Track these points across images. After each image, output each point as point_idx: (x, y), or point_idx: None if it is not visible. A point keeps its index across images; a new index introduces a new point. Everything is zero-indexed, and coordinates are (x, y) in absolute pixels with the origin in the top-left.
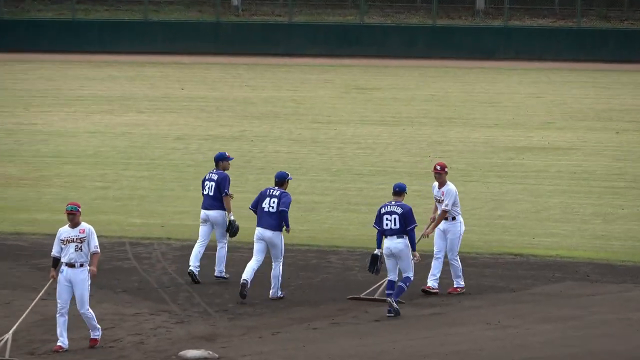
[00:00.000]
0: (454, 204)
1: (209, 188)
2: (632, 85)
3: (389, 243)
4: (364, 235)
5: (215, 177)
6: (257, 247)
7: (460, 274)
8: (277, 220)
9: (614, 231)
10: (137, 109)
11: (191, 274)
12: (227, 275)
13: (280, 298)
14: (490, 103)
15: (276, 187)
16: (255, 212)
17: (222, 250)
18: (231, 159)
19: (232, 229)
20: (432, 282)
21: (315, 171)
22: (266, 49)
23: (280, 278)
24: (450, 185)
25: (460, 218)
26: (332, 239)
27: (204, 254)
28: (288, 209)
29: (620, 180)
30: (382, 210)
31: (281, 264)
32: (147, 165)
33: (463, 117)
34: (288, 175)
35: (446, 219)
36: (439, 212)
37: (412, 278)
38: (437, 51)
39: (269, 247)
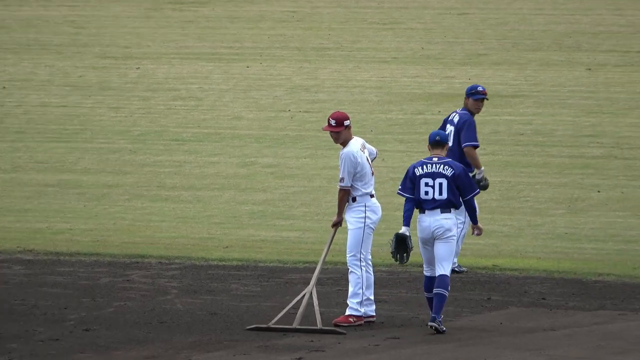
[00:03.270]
0: (356, 177)
1: None
2: None
3: (430, 221)
4: (186, 238)
5: None
6: None
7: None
8: None
9: (585, 227)
10: None
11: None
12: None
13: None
14: (385, 24)
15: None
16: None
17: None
18: None
19: None
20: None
21: (106, 135)
22: None
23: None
24: (349, 147)
25: (369, 200)
26: (135, 246)
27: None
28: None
29: (593, 145)
30: (419, 171)
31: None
32: None
33: (342, 46)
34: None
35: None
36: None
37: (449, 275)
38: None
39: None
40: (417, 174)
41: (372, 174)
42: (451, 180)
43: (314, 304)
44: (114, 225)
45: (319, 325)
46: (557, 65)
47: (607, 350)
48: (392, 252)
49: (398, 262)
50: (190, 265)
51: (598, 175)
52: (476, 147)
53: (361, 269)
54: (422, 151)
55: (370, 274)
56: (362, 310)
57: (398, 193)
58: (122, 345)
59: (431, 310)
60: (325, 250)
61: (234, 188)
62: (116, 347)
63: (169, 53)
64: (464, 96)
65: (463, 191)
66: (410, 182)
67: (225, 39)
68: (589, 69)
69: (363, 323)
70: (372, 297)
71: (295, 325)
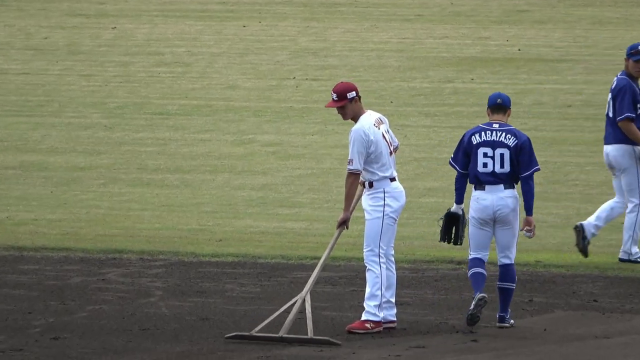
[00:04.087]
0: (369, 160)
1: None
2: None
3: (492, 199)
4: (172, 230)
5: None
6: None
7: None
8: None
9: None
10: None
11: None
12: None
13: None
14: None
15: None
16: None
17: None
18: None
19: None
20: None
21: (76, 108)
22: None
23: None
24: (359, 123)
25: (388, 184)
26: (111, 239)
27: None
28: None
29: None
30: (476, 139)
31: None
32: None
33: (357, 1)
34: None
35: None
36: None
37: (514, 265)
38: None
39: None
40: (474, 143)
41: (391, 153)
42: (513, 151)
43: (307, 312)
44: (86, 215)
45: (310, 335)
46: (612, 23)
47: None
48: (440, 235)
49: (447, 242)
50: (177, 261)
51: None
52: (631, 119)
53: (380, 266)
54: (451, 126)
55: (392, 273)
56: (381, 314)
57: (450, 164)
58: (96, 356)
59: (477, 291)
60: (326, 254)
61: (229, 170)
62: (90, 358)
63: (150, 10)
64: (624, 57)
65: (521, 166)
66: (464, 153)
67: None
68: None
69: (382, 329)
70: (392, 300)
71: (281, 334)
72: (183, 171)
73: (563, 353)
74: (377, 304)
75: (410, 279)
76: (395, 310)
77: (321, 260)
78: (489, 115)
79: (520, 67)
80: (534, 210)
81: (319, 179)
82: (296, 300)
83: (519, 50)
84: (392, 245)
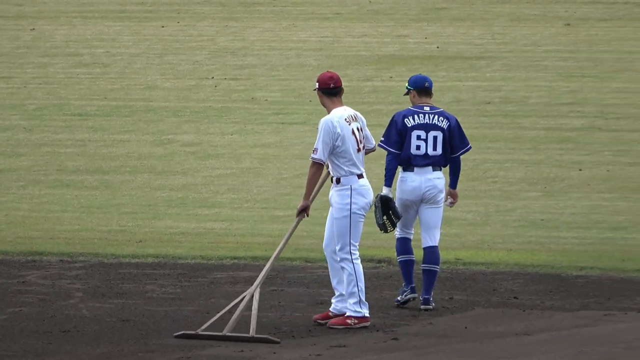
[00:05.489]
0: (335, 154)
1: None
2: None
3: (420, 180)
4: (92, 231)
5: None
6: None
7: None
8: None
9: (564, 212)
10: None
11: None
12: None
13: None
14: None
15: None
16: None
17: None
18: None
19: None
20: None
21: None
22: None
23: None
24: (331, 114)
25: (355, 181)
26: (31, 241)
27: None
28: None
29: (573, 114)
30: (410, 122)
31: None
32: None
33: (275, 0)
34: None
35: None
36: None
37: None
38: None
39: None
40: (409, 125)
41: (359, 150)
42: (447, 134)
43: (253, 309)
44: (5, 217)
45: (252, 333)
46: (530, 20)
47: (590, 357)
48: (379, 223)
49: (383, 230)
50: (98, 263)
51: (579, 151)
52: None
53: (353, 262)
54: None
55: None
56: (365, 310)
57: (380, 146)
58: (16, 359)
59: (405, 279)
60: (282, 244)
61: (148, 171)
62: None
63: (69, 11)
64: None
65: (454, 147)
66: (398, 135)
67: None
68: (568, 25)
69: (369, 324)
70: (337, 292)
71: (225, 332)
72: (103, 172)
73: (484, 350)
74: (357, 300)
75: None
76: (341, 305)
77: (277, 250)
78: (414, 97)
79: (438, 65)
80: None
81: (238, 178)
82: (244, 296)
83: (438, 47)
84: (358, 241)
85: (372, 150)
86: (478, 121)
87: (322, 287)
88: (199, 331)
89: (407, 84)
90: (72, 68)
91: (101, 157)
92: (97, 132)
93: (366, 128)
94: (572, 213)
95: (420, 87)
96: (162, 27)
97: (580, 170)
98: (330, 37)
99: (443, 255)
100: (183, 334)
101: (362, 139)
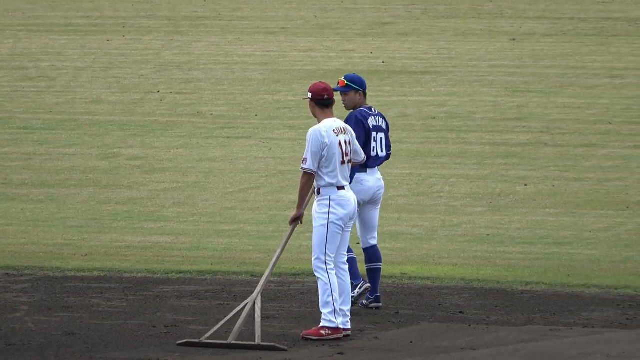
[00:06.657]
0: (321, 163)
1: None
2: None
3: (372, 179)
4: (37, 245)
5: None
6: None
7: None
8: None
9: (509, 227)
10: None
11: None
12: None
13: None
14: None
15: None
16: None
17: None
18: None
19: None
20: None
21: None
22: None
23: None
24: (319, 124)
25: (335, 192)
26: None
27: None
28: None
29: (519, 130)
30: (370, 123)
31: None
32: None
33: (220, 15)
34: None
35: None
36: None
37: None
38: None
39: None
40: (371, 126)
41: (343, 163)
42: (388, 134)
43: (256, 316)
44: None
45: (257, 341)
46: (475, 35)
47: None
48: None
49: None
50: (43, 276)
51: (524, 166)
52: None
53: (328, 272)
54: None
55: (343, 281)
56: (339, 320)
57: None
58: None
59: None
60: (278, 252)
61: (94, 185)
62: None
63: (14, 25)
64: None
65: (388, 147)
66: (366, 136)
67: (81, 7)
68: (513, 40)
69: (342, 336)
70: (345, 308)
71: (230, 340)
72: (48, 186)
73: None
74: (331, 310)
75: (277, 292)
76: (348, 319)
77: (274, 259)
78: (361, 99)
79: (384, 80)
80: (393, 221)
81: (184, 192)
82: (246, 304)
83: (383, 62)
84: (344, 252)
85: (360, 163)
86: (424, 136)
87: (268, 301)
88: (203, 339)
89: (352, 86)
90: (18, 81)
91: (46, 171)
92: (43, 146)
93: (355, 142)
94: (517, 228)
95: (366, 89)
96: (108, 40)
97: (526, 185)
98: (275, 51)
99: (389, 269)
100: (187, 342)
101: (349, 152)
